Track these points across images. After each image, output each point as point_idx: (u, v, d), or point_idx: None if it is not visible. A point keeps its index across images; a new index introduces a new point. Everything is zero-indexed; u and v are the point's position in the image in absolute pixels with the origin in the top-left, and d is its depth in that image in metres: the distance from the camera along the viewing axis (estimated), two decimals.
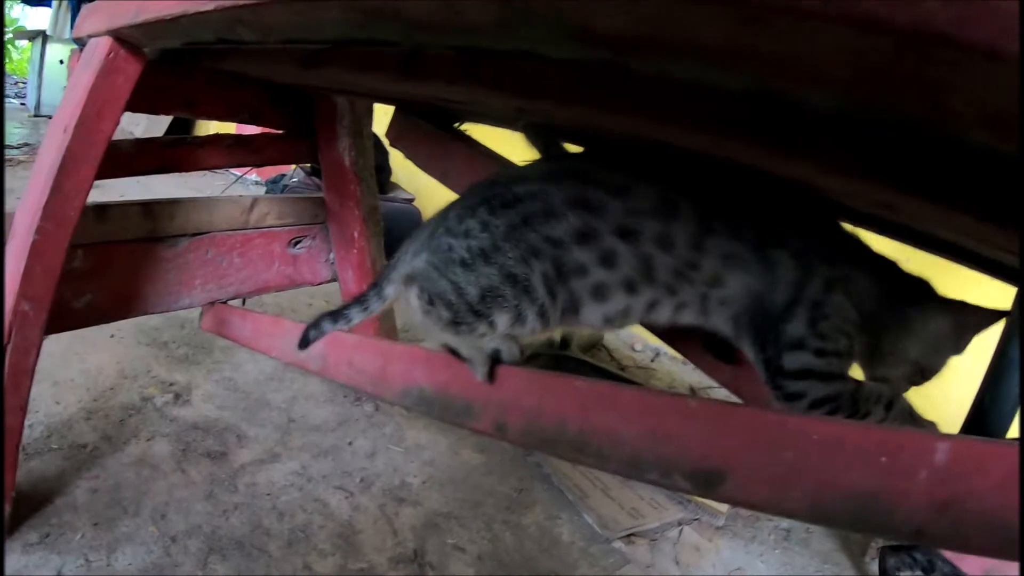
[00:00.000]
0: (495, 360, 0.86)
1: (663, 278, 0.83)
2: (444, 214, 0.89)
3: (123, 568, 1.26)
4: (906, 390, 0.88)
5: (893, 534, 0.63)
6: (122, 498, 1.43)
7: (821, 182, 0.77)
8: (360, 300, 0.95)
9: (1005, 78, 0.36)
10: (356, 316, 0.95)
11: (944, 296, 0.86)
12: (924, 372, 0.87)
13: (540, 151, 1.01)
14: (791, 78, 0.53)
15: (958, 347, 0.85)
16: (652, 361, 2.84)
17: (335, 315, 0.97)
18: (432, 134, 1.34)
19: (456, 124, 1.36)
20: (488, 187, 0.88)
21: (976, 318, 0.84)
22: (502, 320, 0.82)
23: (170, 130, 4.59)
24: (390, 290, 0.92)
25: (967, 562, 1.09)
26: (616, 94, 0.75)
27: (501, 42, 0.68)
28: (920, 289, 0.86)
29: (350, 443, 1.79)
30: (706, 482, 0.69)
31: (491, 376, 0.85)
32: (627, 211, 0.82)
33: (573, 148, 1.02)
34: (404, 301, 0.91)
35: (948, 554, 1.25)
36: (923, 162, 0.60)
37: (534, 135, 1.02)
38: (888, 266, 0.87)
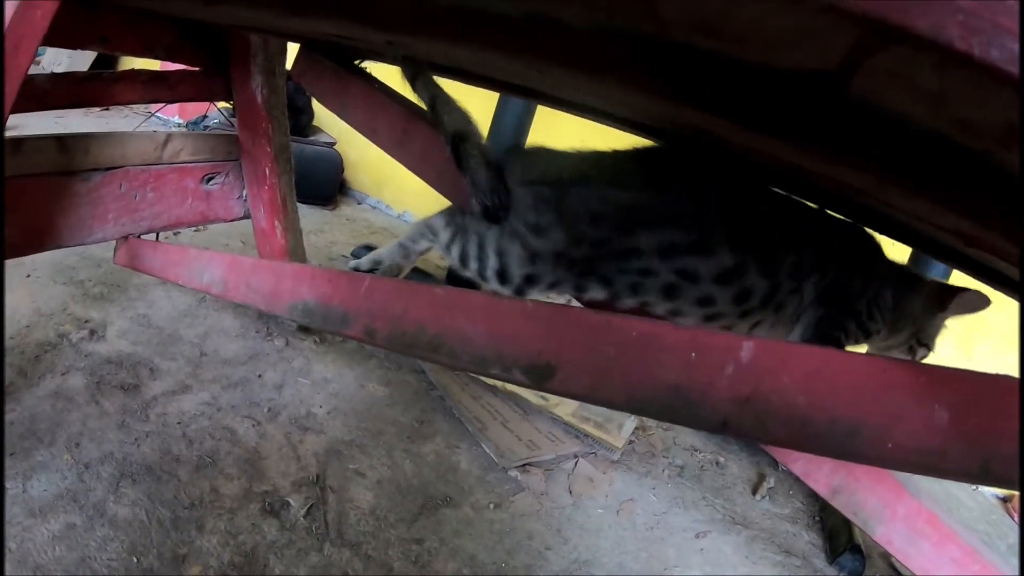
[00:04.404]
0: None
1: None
2: None
3: (38, 494, 1.29)
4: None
5: (701, 425, 0.71)
6: (37, 429, 1.46)
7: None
8: None
9: None
10: None
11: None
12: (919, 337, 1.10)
13: (409, 81, 1.08)
14: None
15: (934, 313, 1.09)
16: None
17: None
18: (332, 70, 1.38)
19: (356, 62, 1.40)
20: None
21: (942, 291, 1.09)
22: None
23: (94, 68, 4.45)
24: None
25: (817, 481, 1.18)
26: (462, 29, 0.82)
27: None
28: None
29: (260, 376, 1.84)
30: (540, 375, 0.76)
31: None
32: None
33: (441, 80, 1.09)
34: None
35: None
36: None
37: (407, 68, 1.09)
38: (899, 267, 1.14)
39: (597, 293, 1.00)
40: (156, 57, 1.68)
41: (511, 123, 2.53)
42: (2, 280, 1.16)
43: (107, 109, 3.82)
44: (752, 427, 0.66)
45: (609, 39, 0.68)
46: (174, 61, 1.74)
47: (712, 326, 1.00)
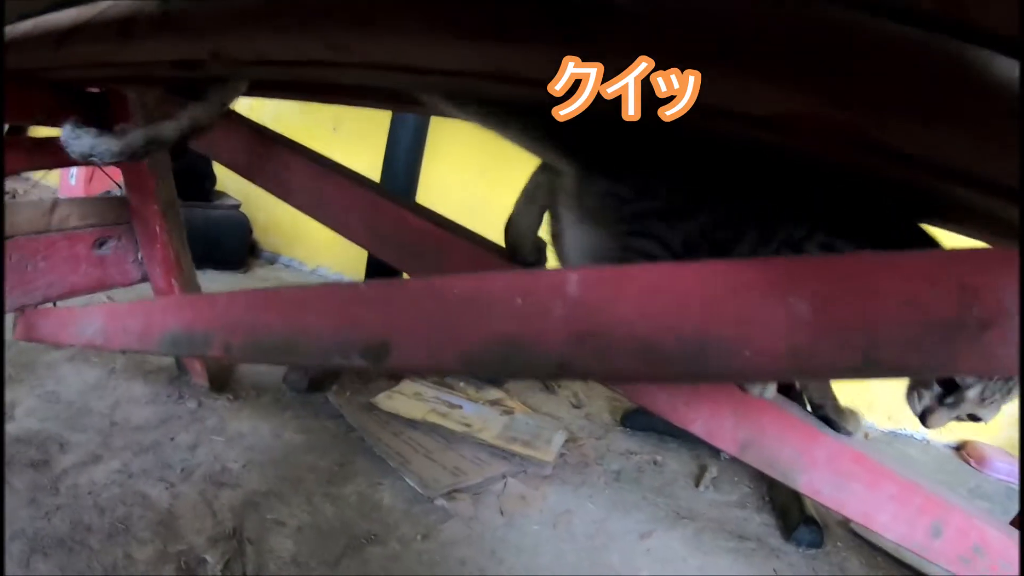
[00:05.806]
0: None
1: None
2: None
3: None
4: None
5: (540, 373, 0.68)
6: None
7: None
8: None
9: None
10: None
11: None
12: None
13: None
14: None
15: None
16: None
17: None
18: None
19: None
20: None
21: None
22: None
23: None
24: None
25: (723, 439, 1.09)
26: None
27: None
28: None
29: (172, 438, 1.78)
30: (377, 355, 0.73)
31: None
32: None
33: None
34: None
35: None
36: None
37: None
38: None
39: None
40: (36, 123, 1.66)
41: (406, 137, 2.59)
42: (2, 300, 1.11)
43: (13, 197, 3.77)
44: (594, 364, 0.62)
45: None
46: (54, 125, 1.71)
47: None
